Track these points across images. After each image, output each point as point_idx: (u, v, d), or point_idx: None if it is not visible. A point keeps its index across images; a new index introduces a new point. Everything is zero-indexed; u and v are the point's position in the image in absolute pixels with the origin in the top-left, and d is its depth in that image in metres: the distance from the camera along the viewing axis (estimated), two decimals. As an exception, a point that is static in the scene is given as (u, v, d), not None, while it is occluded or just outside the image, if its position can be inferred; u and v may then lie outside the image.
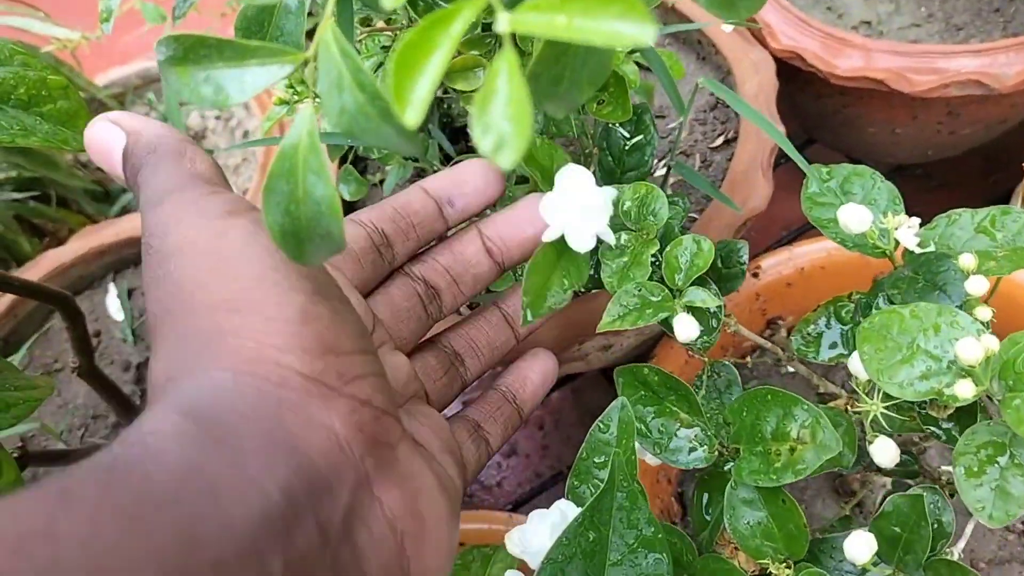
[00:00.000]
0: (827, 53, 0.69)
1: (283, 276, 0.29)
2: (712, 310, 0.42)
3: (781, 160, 0.95)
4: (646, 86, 0.66)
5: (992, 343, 0.33)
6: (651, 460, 0.47)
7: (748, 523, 0.40)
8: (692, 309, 0.42)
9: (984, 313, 0.38)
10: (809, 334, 0.50)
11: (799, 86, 0.76)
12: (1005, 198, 0.78)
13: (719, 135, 0.72)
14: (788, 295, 0.74)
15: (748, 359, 0.73)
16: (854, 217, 0.44)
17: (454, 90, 0.49)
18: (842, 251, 0.74)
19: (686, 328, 0.39)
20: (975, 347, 0.32)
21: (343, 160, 0.75)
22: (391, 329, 0.42)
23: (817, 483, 0.65)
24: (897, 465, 0.41)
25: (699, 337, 0.42)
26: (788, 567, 0.39)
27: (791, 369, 0.72)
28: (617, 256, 0.42)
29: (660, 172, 0.72)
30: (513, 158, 0.19)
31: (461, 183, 0.43)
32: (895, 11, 0.73)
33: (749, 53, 0.70)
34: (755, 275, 0.74)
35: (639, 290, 0.40)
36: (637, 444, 0.41)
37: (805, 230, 0.92)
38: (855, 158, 0.91)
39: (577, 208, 0.37)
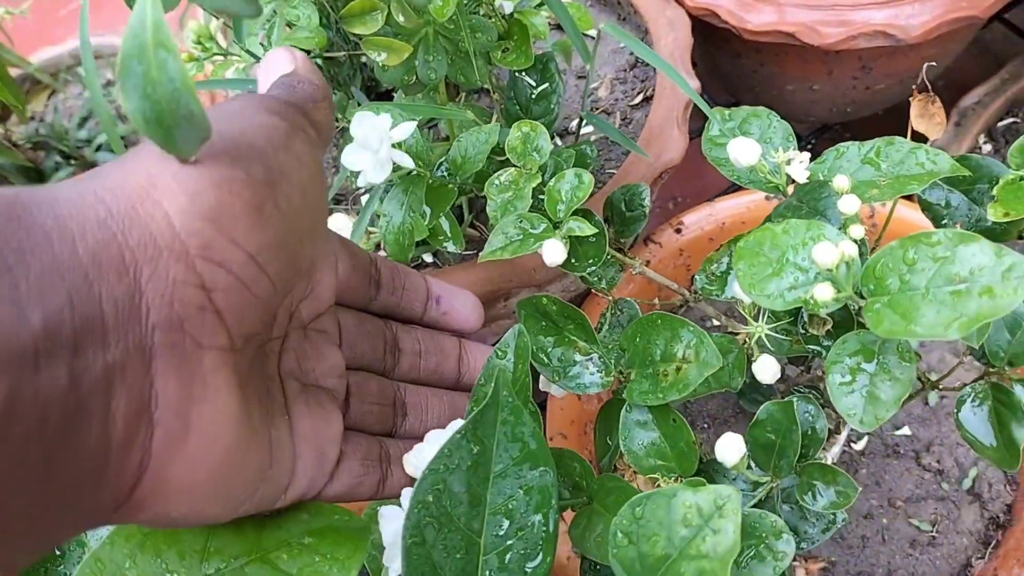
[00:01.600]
0: (740, 9, 0.70)
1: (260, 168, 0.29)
2: (592, 239, 0.44)
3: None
4: (563, 44, 0.67)
5: (849, 248, 0.34)
6: (556, 391, 0.48)
7: (642, 444, 0.42)
8: (578, 240, 0.43)
9: (857, 230, 0.40)
10: (713, 273, 0.52)
11: (717, 46, 0.78)
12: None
13: (638, 93, 0.73)
14: (711, 250, 0.75)
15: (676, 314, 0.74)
16: (743, 150, 0.46)
17: (356, 36, 0.50)
18: (760, 205, 0.76)
19: (552, 253, 0.41)
20: (831, 251, 0.34)
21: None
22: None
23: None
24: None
25: (587, 267, 0.44)
26: (678, 482, 0.40)
27: (716, 323, 0.73)
28: (502, 191, 0.43)
29: (585, 130, 0.74)
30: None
31: (455, 295, 0.45)
32: (808, -32, 0.75)
33: (665, 11, 0.72)
34: (678, 231, 0.75)
35: (520, 222, 0.41)
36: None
37: (734, 191, 0.94)
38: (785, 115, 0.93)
39: (370, 149, 0.40)
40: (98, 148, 1.00)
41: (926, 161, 0.44)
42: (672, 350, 0.41)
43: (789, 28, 0.68)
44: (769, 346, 0.43)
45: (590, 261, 0.44)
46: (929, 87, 0.48)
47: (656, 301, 0.65)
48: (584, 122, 0.74)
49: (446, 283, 0.45)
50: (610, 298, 0.53)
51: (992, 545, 0.65)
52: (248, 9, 0.26)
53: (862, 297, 0.36)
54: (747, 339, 0.46)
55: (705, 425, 0.70)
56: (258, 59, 0.49)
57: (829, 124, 0.90)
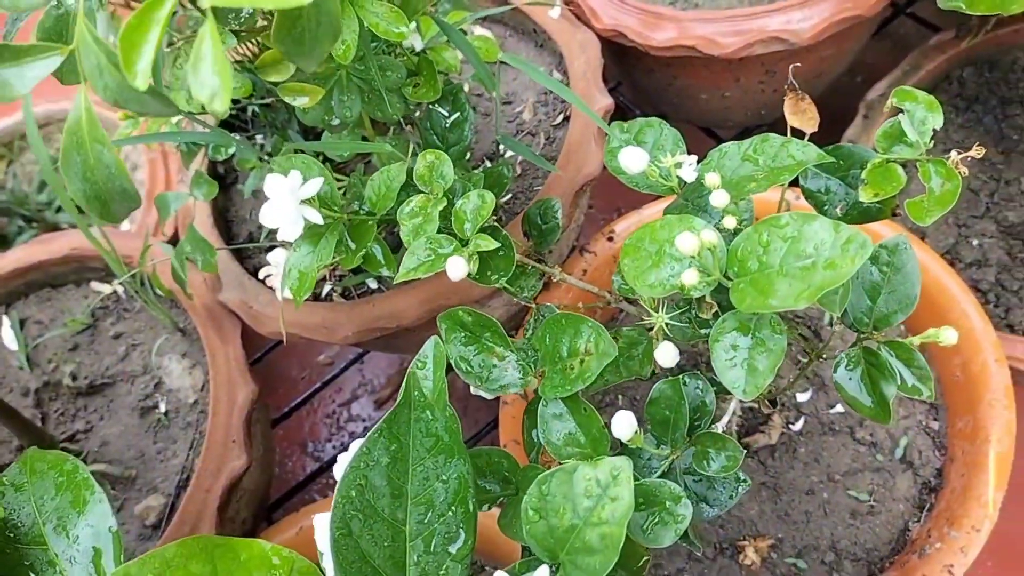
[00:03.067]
0: (644, 28, 0.75)
1: None
2: (501, 253, 0.48)
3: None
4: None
5: (710, 236, 0.39)
6: (485, 394, 0.52)
7: (559, 434, 0.46)
8: (488, 255, 0.47)
9: (730, 221, 0.44)
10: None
11: (633, 64, 0.83)
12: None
13: (559, 113, 0.78)
14: (641, 254, 0.79)
15: (616, 319, 0.78)
16: (632, 159, 0.50)
17: (273, 84, 0.54)
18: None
19: (455, 269, 0.45)
20: (691, 239, 0.38)
21: (218, 171, 0.79)
22: None
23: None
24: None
25: (498, 279, 0.48)
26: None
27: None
28: (412, 216, 0.47)
29: (508, 154, 0.78)
30: (224, 104, 0.25)
31: None
32: (708, -16, 0.80)
33: (576, 35, 0.77)
34: (610, 239, 0.80)
35: (430, 243, 0.45)
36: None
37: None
38: (702, 126, 0.98)
39: (284, 206, 0.44)
40: (58, 210, 1.03)
41: (796, 153, 0.48)
42: (576, 345, 0.45)
43: (690, 42, 0.73)
44: (670, 334, 0.47)
45: (500, 273, 0.48)
46: (796, 86, 0.52)
47: (580, 305, 0.69)
48: (499, 144, 0.78)
49: None
50: (533, 305, 0.57)
51: (926, 508, 0.69)
52: (169, 111, 0.30)
53: (730, 279, 0.40)
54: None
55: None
56: (184, 113, 0.53)
57: (750, 127, 0.95)
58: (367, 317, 0.66)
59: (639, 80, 0.89)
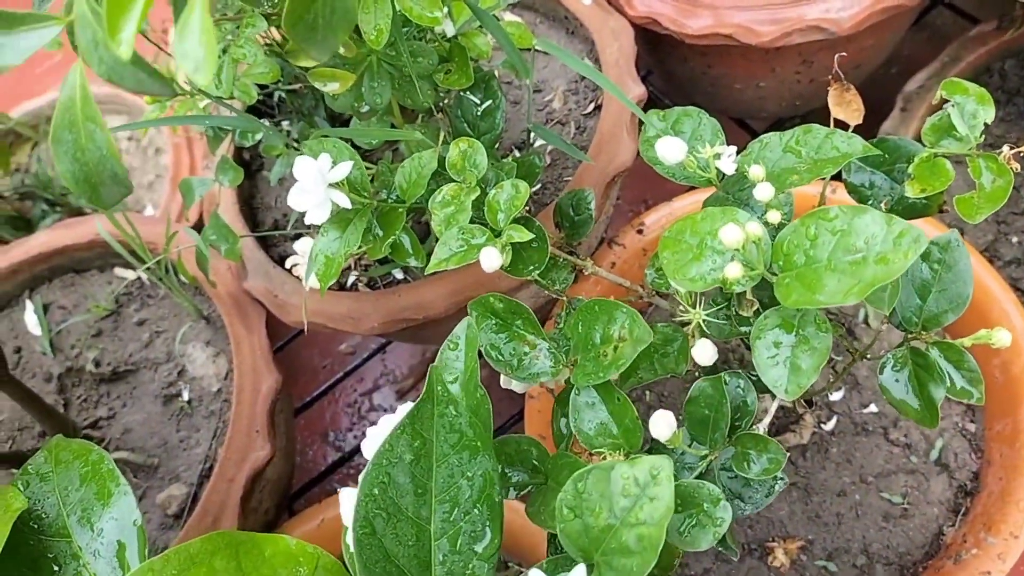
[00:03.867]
0: (680, 15, 0.74)
1: None
2: (534, 245, 0.46)
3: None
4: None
5: (755, 229, 0.37)
6: (516, 386, 0.51)
7: (591, 424, 0.44)
8: (521, 247, 0.46)
9: (774, 216, 0.43)
10: (659, 267, 0.54)
11: (667, 52, 0.81)
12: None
13: (590, 102, 0.76)
14: (672, 247, 0.78)
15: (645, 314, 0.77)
16: (670, 149, 0.48)
17: (303, 69, 0.53)
18: (716, 200, 0.78)
19: (489, 260, 0.43)
20: (736, 232, 0.36)
21: (243, 158, 0.78)
22: None
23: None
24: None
25: (531, 271, 0.46)
26: (624, 456, 0.43)
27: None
28: (445, 206, 0.46)
29: (538, 143, 0.77)
30: (207, 76, 0.23)
31: None
32: (744, -28, 0.78)
33: (608, 22, 0.75)
34: (640, 232, 0.78)
35: (462, 233, 0.44)
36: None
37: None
38: (735, 117, 0.96)
39: (313, 189, 0.43)
40: (82, 195, 1.03)
41: (841, 145, 0.47)
42: (609, 332, 0.43)
43: (727, 30, 0.72)
44: (707, 331, 0.46)
45: (533, 265, 0.47)
46: (842, 76, 0.51)
47: (613, 299, 0.67)
48: (530, 132, 0.77)
49: None
50: (564, 298, 0.55)
51: (961, 512, 0.67)
52: (164, 90, 0.29)
53: (774, 274, 0.38)
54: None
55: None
56: (211, 97, 0.52)
57: (784, 118, 0.93)
58: (393, 308, 0.65)
59: (672, 69, 0.87)
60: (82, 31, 0.28)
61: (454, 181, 0.48)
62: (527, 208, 0.72)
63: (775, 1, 0.72)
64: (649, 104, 1.08)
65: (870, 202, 0.51)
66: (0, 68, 0.30)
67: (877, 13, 0.70)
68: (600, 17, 0.76)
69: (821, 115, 0.92)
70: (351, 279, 0.72)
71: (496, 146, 0.75)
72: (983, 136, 0.78)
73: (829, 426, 0.70)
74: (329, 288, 0.71)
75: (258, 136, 0.59)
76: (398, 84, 0.55)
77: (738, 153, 0.51)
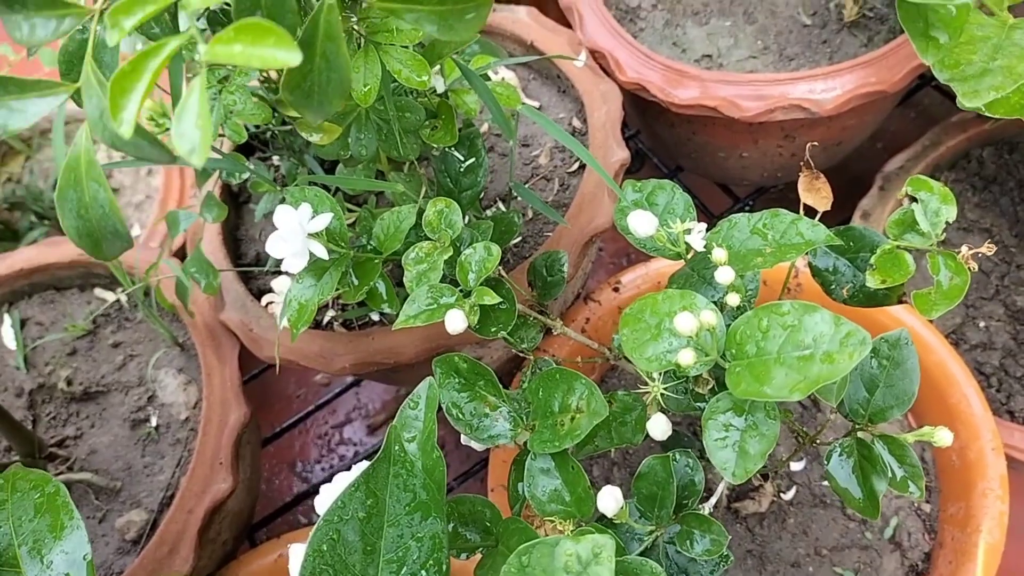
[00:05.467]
0: (668, 84, 0.75)
1: None
2: (502, 307, 0.47)
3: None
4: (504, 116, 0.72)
5: (709, 317, 0.38)
6: (475, 444, 0.51)
7: (545, 490, 0.45)
8: (488, 307, 0.47)
9: (733, 299, 0.44)
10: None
11: (654, 116, 0.83)
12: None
13: (575, 160, 0.78)
14: (646, 307, 0.79)
15: (616, 370, 0.78)
16: (640, 223, 0.50)
17: (291, 118, 0.54)
18: (690, 264, 0.80)
19: (454, 322, 0.44)
20: (689, 320, 0.37)
21: (231, 190, 0.80)
22: None
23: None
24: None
25: (497, 331, 0.47)
26: (575, 526, 0.43)
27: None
28: (418, 263, 0.47)
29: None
30: (202, 158, 0.25)
31: None
32: (734, 45, 0.80)
33: (599, 85, 0.77)
34: (616, 290, 0.80)
35: (432, 292, 0.45)
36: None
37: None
38: (719, 182, 0.98)
39: (291, 239, 0.44)
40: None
41: (806, 231, 0.48)
42: (567, 401, 0.45)
43: (712, 103, 0.73)
44: (664, 405, 0.47)
45: (499, 326, 0.48)
46: (812, 164, 0.52)
47: (579, 359, 0.69)
48: (526, 186, 0.78)
49: None
50: (531, 357, 0.56)
51: (911, 592, 0.68)
52: (164, 158, 0.31)
53: (727, 361, 0.40)
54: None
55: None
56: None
57: (766, 187, 0.95)
58: (365, 350, 0.66)
59: (659, 132, 0.89)
60: (88, 99, 0.29)
61: (429, 239, 0.49)
62: (504, 260, 0.73)
63: (760, 78, 0.74)
64: (638, 161, 1.10)
65: (833, 287, 0.52)
66: (9, 132, 0.31)
67: (859, 97, 0.72)
68: (591, 80, 0.77)
69: (791, 187, 0.94)
70: (327, 317, 0.73)
71: (481, 197, 0.77)
72: (954, 223, 0.80)
73: (788, 496, 0.71)
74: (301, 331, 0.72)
75: (244, 175, 0.61)
76: (384, 136, 0.57)
77: (709, 228, 0.53)
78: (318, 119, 0.34)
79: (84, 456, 0.72)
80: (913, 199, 0.50)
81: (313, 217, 0.49)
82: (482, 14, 0.34)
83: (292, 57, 0.24)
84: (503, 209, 0.75)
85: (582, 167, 0.77)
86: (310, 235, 0.48)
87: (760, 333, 0.38)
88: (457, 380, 0.48)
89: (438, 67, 0.61)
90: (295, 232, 0.47)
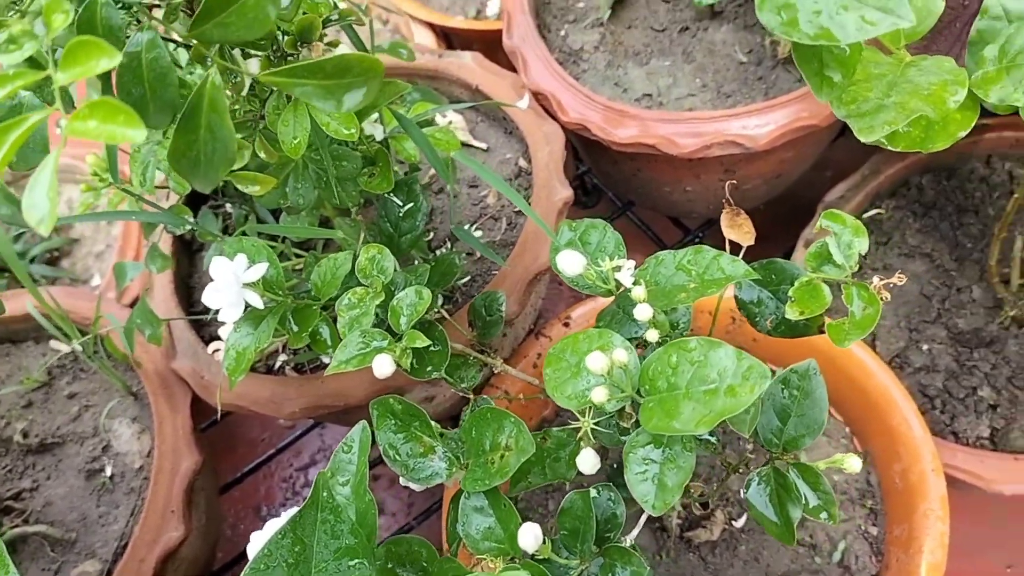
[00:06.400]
0: (608, 124, 0.78)
1: None
2: (434, 349, 0.49)
3: (614, 217, 1.04)
4: (444, 161, 0.73)
5: (621, 356, 0.40)
6: (414, 485, 0.52)
7: (479, 528, 0.46)
8: (422, 350, 0.48)
9: (652, 335, 0.45)
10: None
11: (599, 155, 0.85)
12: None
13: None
14: (596, 342, 0.81)
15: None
16: (569, 263, 0.51)
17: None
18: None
19: (381, 367, 0.46)
20: (600, 359, 0.39)
21: (184, 238, 0.81)
22: None
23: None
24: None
25: (430, 373, 0.49)
26: (506, 563, 0.44)
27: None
28: (351, 308, 0.48)
29: (475, 235, 0.80)
30: (50, 227, 0.26)
31: None
32: (673, 84, 0.82)
33: (542, 126, 0.79)
34: (566, 324, 0.81)
35: (363, 337, 0.46)
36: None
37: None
38: (670, 215, 1.00)
39: (226, 290, 0.46)
40: (32, 260, 1.04)
41: (726, 267, 0.50)
42: (497, 440, 0.46)
43: (650, 140, 0.75)
44: (593, 439, 0.48)
45: (433, 368, 0.49)
46: (732, 202, 0.54)
47: (521, 396, 0.70)
48: (474, 225, 0.80)
49: None
50: (471, 396, 0.58)
51: (861, 614, 0.69)
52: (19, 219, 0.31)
53: (642, 396, 0.41)
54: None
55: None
56: (133, 194, 0.55)
57: (714, 218, 0.97)
58: (315, 394, 0.67)
59: (606, 169, 0.91)
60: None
61: (363, 284, 0.51)
62: (455, 299, 0.74)
63: (697, 116, 0.76)
64: (595, 196, 1.12)
65: (758, 319, 0.54)
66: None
67: (792, 131, 0.74)
68: (534, 121, 0.80)
69: (759, 216, 0.97)
70: (279, 361, 0.74)
71: (431, 237, 0.78)
72: (892, 246, 0.82)
73: (740, 523, 0.72)
74: (255, 371, 0.73)
75: (187, 227, 0.62)
76: (323, 184, 0.58)
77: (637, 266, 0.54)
78: (206, 188, 0.35)
79: (40, 508, 0.72)
80: (830, 232, 0.52)
81: (249, 267, 0.50)
82: (372, 87, 0.36)
83: (138, 135, 0.25)
84: (451, 249, 0.76)
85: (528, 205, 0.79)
86: (245, 285, 0.49)
87: (670, 369, 0.40)
88: (393, 422, 0.49)
89: (377, 116, 0.63)
90: (230, 283, 0.48)
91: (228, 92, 0.47)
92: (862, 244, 0.50)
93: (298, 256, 0.71)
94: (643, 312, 0.45)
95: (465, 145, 0.86)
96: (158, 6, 0.35)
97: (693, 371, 0.39)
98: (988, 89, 0.42)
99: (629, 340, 0.51)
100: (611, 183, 0.99)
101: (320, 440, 1.07)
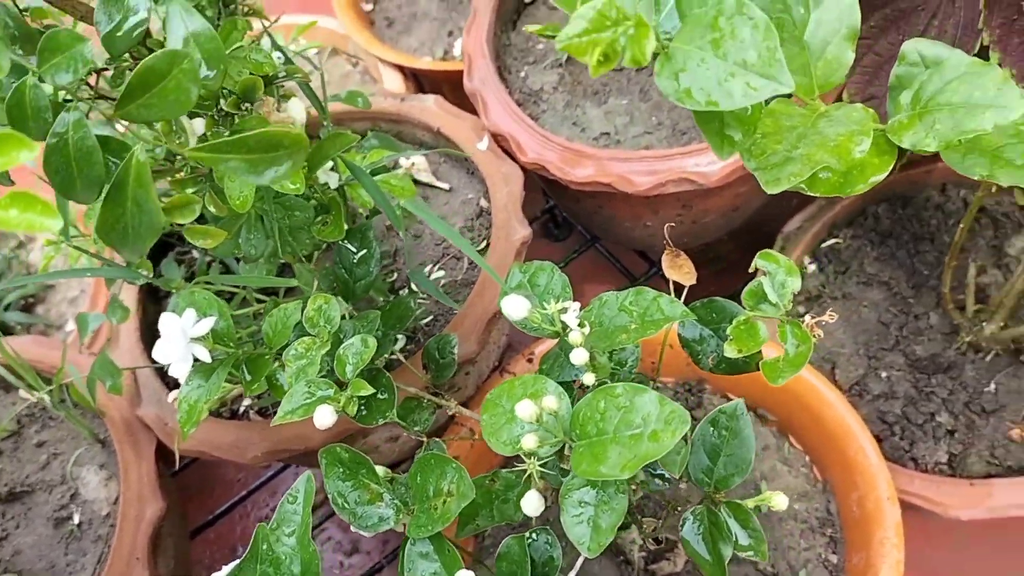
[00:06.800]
0: (565, 163, 0.79)
1: None
2: (384, 395, 0.50)
3: (574, 255, 1.05)
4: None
5: (550, 403, 0.41)
6: (364, 532, 0.53)
7: (423, 573, 0.47)
8: (371, 396, 0.49)
9: (588, 378, 0.47)
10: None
11: (561, 193, 0.87)
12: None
13: (483, 239, 0.81)
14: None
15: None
16: (513, 307, 0.52)
17: (179, 225, 0.57)
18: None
19: (321, 417, 0.47)
20: (529, 407, 0.40)
21: (150, 285, 0.82)
22: None
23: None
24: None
25: (379, 419, 0.50)
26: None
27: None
28: (298, 359, 0.50)
29: (437, 274, 0.81)
30: None
31: None
32: (630, 122, 0.84)
33: (501, 167, 0.81)
34: (529, 360, 0.82)
35: (309, 387, 0.48)
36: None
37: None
38: (635, 249, 1.02)
39: (174, 345, 0.47)
40: (7, 307, 1.05)
41: (665, 308, 0.51)
42: (440, 485, 0.47)
43: (606, 179, 0.77)
44: (539, 481, 0.49)
45: (380, 415, 0.51)
46: (671, 244, 0.56)
47: (475, 436, 0.71)
48: (437, 265, 0.82)
49: None
50: (424, 440, 0.59)
51: (823, 643, 0.70)
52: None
53: (574, 441, 0.42)
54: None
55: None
56: (86, 252, 0.56)
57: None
58: (277, 438, 0.68)
59: (569, 206, 0.93)
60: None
61: (310, 334, 0.52)
62: (417, 339, 0.76)
63: (653, 154, 0.78)
64: (567, 230, 1.14)
65: (700, 356, 0.55)
66: None
67: (741, 168, 0.76)
68: (493, 162, 0.81)
69: (723, 245, 0.97)
70: (243, 405, 0.75)
71: (395, 279, 0.79)
72: (851, 275, 0.84)
73: (704, 555, 0.73)
74: (219, 416, 0.74)
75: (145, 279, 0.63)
76: (277, 234, 0.60)
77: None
78: (134, 257, 0.36)
79: (9, 557, 0.73)
80: (765, 272, 0.53)
81: (198, 321, 0.51)
82: (297, 159, 0.37)
83: (55, 224, 0.26)
84: (414, 290, 0.78)
85: (488, 244, 0.80)
86: (193, 339, 0.50)
87: (599, 414, 0.41)
88: (341, 470, 0.50)
89: (331, 164, 0.64)
90: (177, 338, 0.49)
91: (174, 149, 0.48)
92: (795, 283, 0.52)
93: (260, 301, 0.72)
94: (578, 357, 0.47)
95: (429, 186, 0.88)
96: (88, 86, 0.37)
97: (620, 416, 0.40)
98: (902, 135, 0.44)
99: (570, 382, 0.52)
100: (576, 218, 1.01)
101: (294, 478, 1.07)
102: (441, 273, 0.81)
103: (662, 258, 0.57)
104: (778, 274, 0.52)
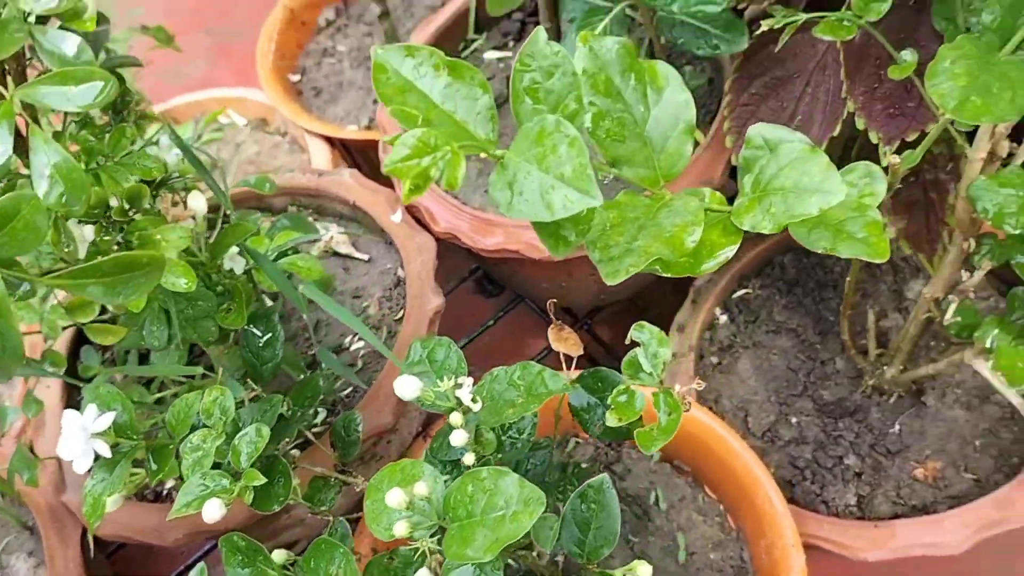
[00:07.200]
0: (475, 232, 0.82)
1: None
2: (281, 482, 0.52)
3: (501, 314, 1.08)
4: (322, 283, 0.77)
5: (421, 490, 0.43)
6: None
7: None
8: (267, 484, 0.51)
9: (469, 458, 0.49)
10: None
11: (480, 258, 0.90)
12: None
13: (401, 309, 0.84)
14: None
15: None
16: (404, 387, 0.55)
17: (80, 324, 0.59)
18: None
19: (210, 511, 0.49)
20: (398, 495, 0.42)
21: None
22: None
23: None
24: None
25: (276, 505, 0.52)
26: None
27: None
28: (194, 451, 0.52)
29: (356, 346, 0.84)
30: None
31: None
32: (540, 188, 0.87)
33: (415, 238, 0.83)
34: (426, 438, 0.84)
35: (204, 479, 0.50)
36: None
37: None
38: (562, 306, 1.05)
39: (75, 441, 0.49)
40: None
41: (549, 382, 0.54)
42: (329, 570, 0.49)
43: (515, 247, 0.80)
44: (431, 557, 0.51)
45: (277, 501, 0.53)
46: (556, 319, 0.59)
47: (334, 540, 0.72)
48: (356, 336, 0.84)
49: None
50: (330, 518, 0.60)
51: None
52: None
53: (446, 524, 0.44)
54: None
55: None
56: None
57: (600, 306, 1.02)
58: (195, 521, 0.68)
59: (490, 269, 0.96)
60: None
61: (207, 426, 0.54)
62: (337, 411, 0.78)
63: (557, 220, 0.81)
64: (498, 287, 1.17)
65: (589, 424, 0.58)
66: None
67: (643, 230, 0.79)
68: (407, 233, 0.84)
69: (635, 299, 1.00)
70: (167, 487, 0.76)
71: (314, 351, 0.82)
72: (762, 323, 0.87)
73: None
74: (143, 499, 0.75)
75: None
76: (182, 324, 0.62)
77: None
78: (4, 380, 0.38)
79: (-64, 650, 0.73)
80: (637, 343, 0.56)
81: (99, 416, 0.53)
82: (153, 278, 0.40)
83: None
84: (322, 368, 0.80)
85: (404, 314, 0.83)
86: (95, 435, 0.52)
87: (467, 498, 0.43)
88: (239, 557, 0.52)
89: (236, 250, 0.67)
90: (77, 435, 0.51)
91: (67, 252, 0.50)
92: (666, 353, 0.54)
93: (181, 382, 0.74)
94: (458, 438, 0.49)
95: (348, 257, 0.91)
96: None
97: (486, 499, 0.43)
98: (743, 218, 0.47)
99: (457, 461, 0.55)
100: (501, 279, 1.04)
101: (238, 548, 1.08)
102: (361, 344, 0.83)
103: (548, 332, 0.60)
104: (651, 344, 0.55)
